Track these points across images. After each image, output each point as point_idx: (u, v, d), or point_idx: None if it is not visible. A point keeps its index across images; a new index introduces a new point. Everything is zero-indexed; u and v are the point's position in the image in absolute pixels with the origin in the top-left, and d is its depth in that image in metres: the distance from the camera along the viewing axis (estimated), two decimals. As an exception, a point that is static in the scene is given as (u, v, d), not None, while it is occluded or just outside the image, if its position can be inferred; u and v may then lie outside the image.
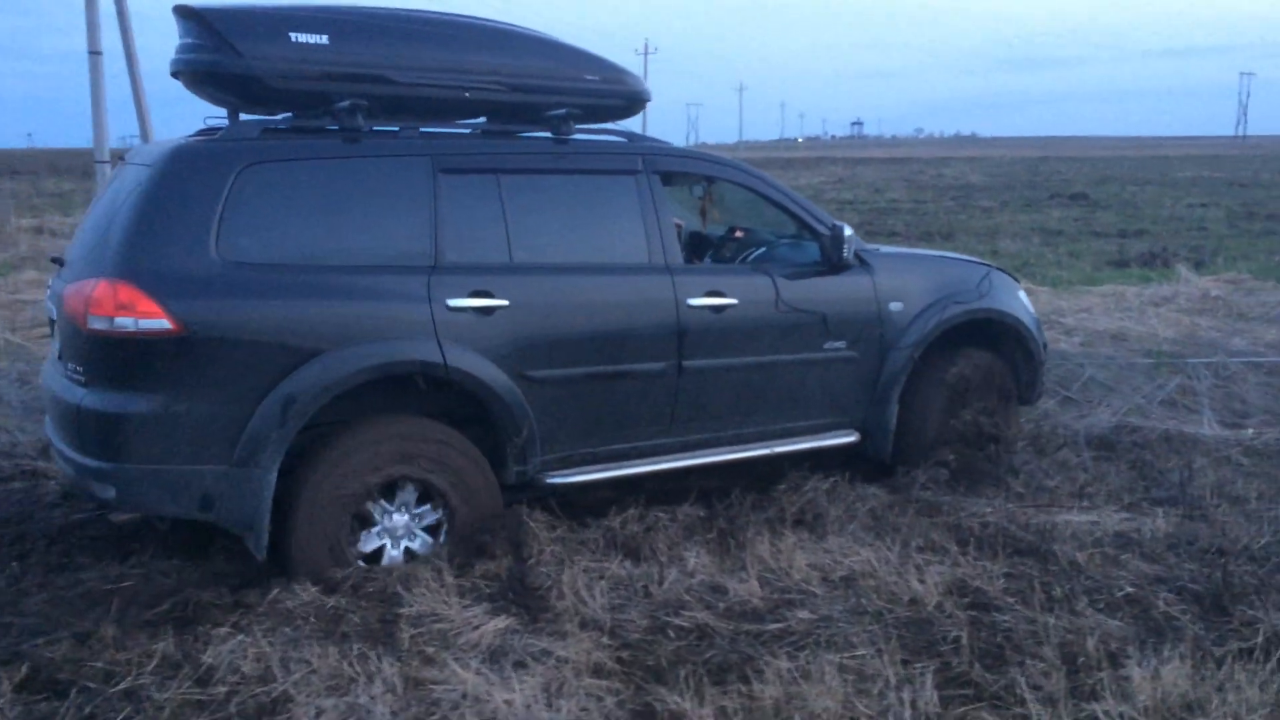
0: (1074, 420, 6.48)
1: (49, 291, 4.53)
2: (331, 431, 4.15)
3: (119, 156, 4.78)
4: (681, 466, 4.95)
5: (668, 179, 5.04)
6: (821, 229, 5.24)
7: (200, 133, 4.48)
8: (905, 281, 5.45)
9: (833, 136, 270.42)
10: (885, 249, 5.79)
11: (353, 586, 3.97)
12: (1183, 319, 9.92)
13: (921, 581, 4.11)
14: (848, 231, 5.17)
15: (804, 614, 3.87)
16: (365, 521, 4.21)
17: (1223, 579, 4.12)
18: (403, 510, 4.28)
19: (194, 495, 3.92)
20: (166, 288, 3.82)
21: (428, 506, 4.32)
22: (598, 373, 4.59)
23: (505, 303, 4.35)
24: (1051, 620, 3.78)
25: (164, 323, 3.79)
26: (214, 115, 4.55)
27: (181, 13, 4.34)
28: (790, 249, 5.48)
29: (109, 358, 3.87)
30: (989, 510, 4.91)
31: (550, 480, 4.59)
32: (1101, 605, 3.95)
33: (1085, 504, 5.08)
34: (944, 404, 5.56)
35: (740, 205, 5.86)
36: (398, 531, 4.29)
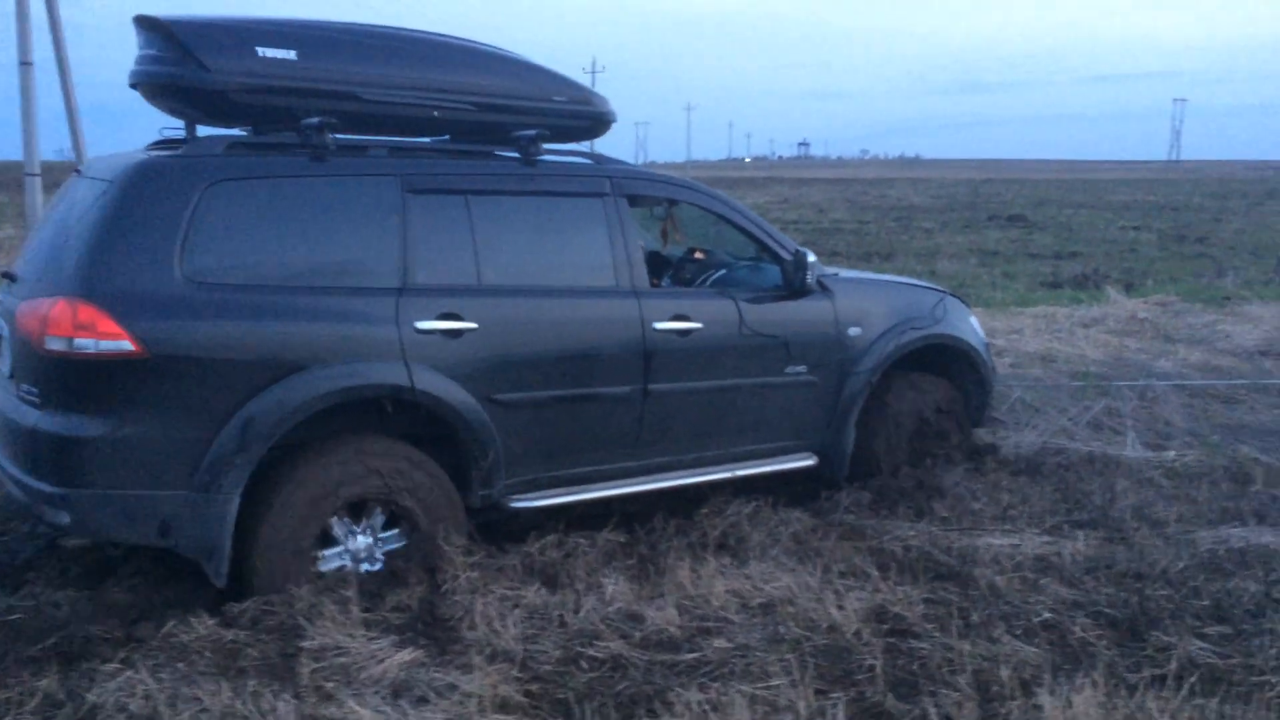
0: (1000, 442, 6.48)
1: None
2: (296, 453, 4.06)
3: (77, 168, 4.59)
4: (645, 490, 4.92)
5: (633, 201, 5.03)
6: (784, 254, 5.27)
7: (156, 144, 4.40)
8: (863, 307, 5.50)
9: (780, 157, 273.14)
10: (845, 274, 5.85)
11: (252, 619, 3.82)
12: (1111, 340, 10.06)
13: (841, 608, 4.05)
14: (811, 257, 5.20)
15: (721, 643, 3.79)
16: (328, 541, 4.14)
17: (1139, 604, 4.12)
18: (367, 533, 4.20)
19: (152, 521, 3.80)
20: (128, 308, 3.70)
21: (394, 531, 4.25)
22: (564, 396, 4.57)
23: (474, 325, 4.30)
24: (968, 647, 3.75)
25: (125, 344, 3.67)
26: (170, 126, 4.48)
27: (143, 23, 4.25)
28: (749, 272, 5.52)
29: (66, 379, 3.73)
30: (912, 533, 4.89)
31: (515, 504, 4.54)
32: (1019, 631, 3.93)
33: (1008, 526, 5.07)
34: (899, 427, 5.64)
35: (698, 227, 5.89)
36: (360, 554, 4.21)
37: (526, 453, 4.52)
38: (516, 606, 4.01)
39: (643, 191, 5.07)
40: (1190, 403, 7.70)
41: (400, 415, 4.26)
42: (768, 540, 4.76)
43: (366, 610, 3.89)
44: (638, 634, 3.87)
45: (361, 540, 4.20)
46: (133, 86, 4.39)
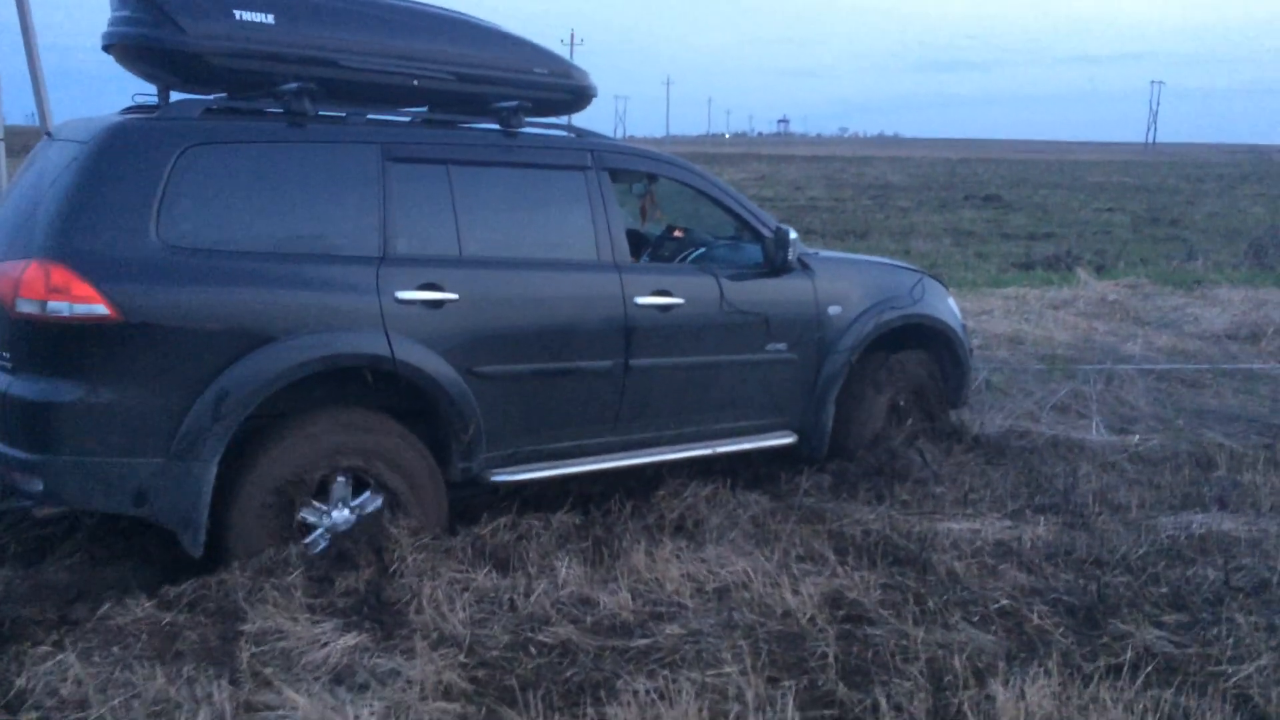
0: (966, 425, 6.44)
1: None
2: (274, 423, 4.01)
3: (47, 132, 4.50)
4: (625, 465, 4.90)
5: (615, 176, 4.98)
6: (765, 231, 5.24)
7: (130, 109, 4.30)
8: (843, 286, 5.50)
9: (759, 133, 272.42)
10: (824, 253, 5.84)
11: (191, 602, 3.71)
12: (1080, 323, 10.05)
13: (796, 593, 3.99)
14: (792, 234, 5.19)
15: (673, 629, 3.72)
16: (311, 504, 4.09)
17: (1097, 591, 4.08)
18: (342, 505, 4.15)
19: (128, 490, 3.74)
20: (103, 271, 3.63)
21: (369, 494, 4.20)
22: (545, 369, 4.53)
23: (455, 296, 4.26)
24: (923, 634, 3.69)
25: (100, 308, 3.60)
26: (142, 93, 4.41)
27: None
28: (729, 250, 5.49)
29: (39, 343, 3.66)
30: (872, 517, 4.83)
31: (495, 478, 4.51)
32: (975, 618, 3.87)
33: (969, 511, 5.02)
34: (878, 406, 5.65)
35: (675, 205, 5.84)
36: (339, 527, 4.15)
37: (507, 426, 4.48)
38: (466, 590, 3.92)
39: (624, 165, 5.04)
40: (1156, 387, 7.69)
41: (380, 387, 4.21)
42: (726, 523, 4.69)
43: (312, 595, 3.78)
44: (589, 619, 3.79)
45: (340, 513, 4.14)
46: (106, 49, 4.30)
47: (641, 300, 4.74)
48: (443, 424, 4.31)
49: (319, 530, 4.12)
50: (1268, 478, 5.55)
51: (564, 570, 4.10)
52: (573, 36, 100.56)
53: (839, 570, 4.23)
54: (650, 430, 4.93)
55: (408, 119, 4.64)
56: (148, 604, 3.68)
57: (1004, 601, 3.99)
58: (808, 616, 3.84)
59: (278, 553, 3.92)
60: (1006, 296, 11.72)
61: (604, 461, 4.81)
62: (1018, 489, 5.37)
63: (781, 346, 5.25)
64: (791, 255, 5.18)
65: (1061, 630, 3.80)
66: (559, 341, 4.55)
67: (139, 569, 4.10)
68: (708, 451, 5.12)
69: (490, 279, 4.40)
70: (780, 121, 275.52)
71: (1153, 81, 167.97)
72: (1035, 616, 3.88)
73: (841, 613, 3.91)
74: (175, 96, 4.32)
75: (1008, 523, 4.87)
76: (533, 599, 3.89)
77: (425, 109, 4.72)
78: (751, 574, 4.13)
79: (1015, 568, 4.34)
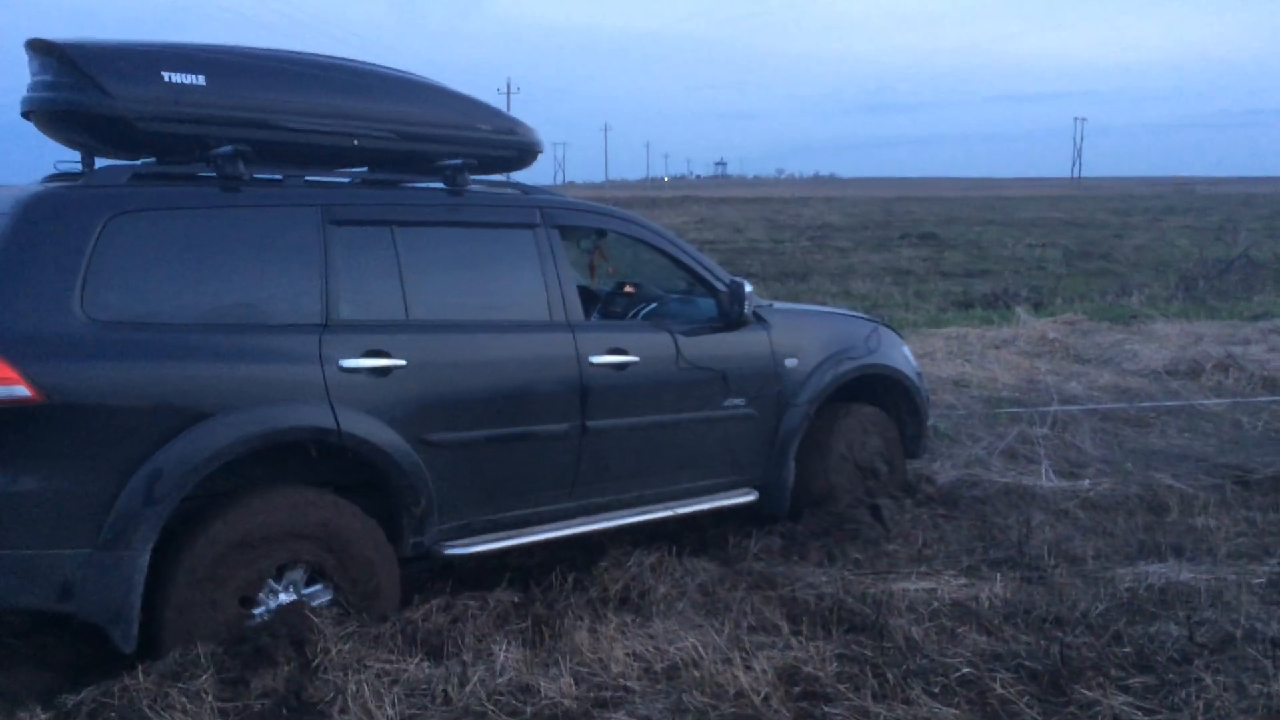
0: (914, 476, 6.30)
1: None
2: (211, 505, 3.78)
3: None
4: (584, 532, 4.74)
5: (564, 232, 4.86)
6: (719, 285, 5.15)
7: (52, 178, 4.13)
8: (799, 338, 5.42)
9: (697, 176, 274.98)
10: (778, 305, 5.75)
11: (90, 713, 3.38)
12: (1022, 363, 10.04)
13: (749, 669, 3.76)
14: (748, 288, 5.09)
15: (619, 717, 3.48)
16: (249, 603, 3.83)
17: (1060, 654, 3.91)
18: (290, 590, 3.92)
19: (52, 583, 3.47)
20: (23, 350, 3.41)
21: (318, 587, 3.97)
22: (499, 435, 4.37)
23: (403, 362, 4.09)
24: (883, 712, 3.49)
25: (20, 389, 3.37)
26: (65, 160, 4.23)
27: (38, 47, 3.99)
28: (681, 304, 5.41)
29: None
30: (824, 580, 4.64)
31: (449, 551, 4.31)
32: (936, 689, 3.68)
33: (923, 569, 4.85)
34: (840, 459, 5.54)
35: (624, 260, 5.75)
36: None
37: (460, 497, 4.30)
38: (396, 683, 3.63)
39: (573, 222, 4.94)
40: (1102, 428, 7.65)
41: (325, 461, 4.02)
42: (673, 593, 4.46)
43: (225, 698, 3.48)
44: (529, 709, 3.53)
45: (285, 598, 3.90)
46: (25, 115, 4.13)
47: (596, 359, 4.61)
48: (393, 497, 4.11)
49: (260, 616, 3.85)
50: (1220, 521, 5.47)
51: (502, 655, 3.83)
52: (509, 85, 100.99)
53: (793, 641, 4.02)
54: (609, 494, 4.78)
55: (346, 180, 4.47)
56: (43, 715, 3.35)
57: (965, 670, 3.80)
58: (762, 696, 3.61)
59: (185, 653, 3.61)
60: (948, 337, 11.72)
61: (561, 529, 4.64)
62: (971, 543, 5.23)
63: (740, 402, 5.13)
64: (747, 309, 5.08)
65: (1026, 699, 3.62)
66: (512, 405, 4.39)
67: (34, 674, 3.76)
68: (668, 513, 4.96)
69: (439, 343, 4.24)
70: (718, 164, 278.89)
71: (1076, 118, 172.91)
72: (998, 685, 3.69)
73: (798, 689, 3.70)
74: (100, 164, 4.13)
75: (963, 580, 4.70)
76: (468, 689, 3.62)
77: (364, 169, 4.56)
78: (701, 650, 3.89)
79: (974, 630, 4.16)
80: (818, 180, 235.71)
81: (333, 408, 3.90)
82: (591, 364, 4.59)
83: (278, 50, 4.38)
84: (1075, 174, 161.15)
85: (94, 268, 3.60)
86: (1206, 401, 8.56)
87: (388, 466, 4.04)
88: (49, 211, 3.66)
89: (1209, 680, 3.67)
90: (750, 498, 5.28)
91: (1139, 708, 3.54)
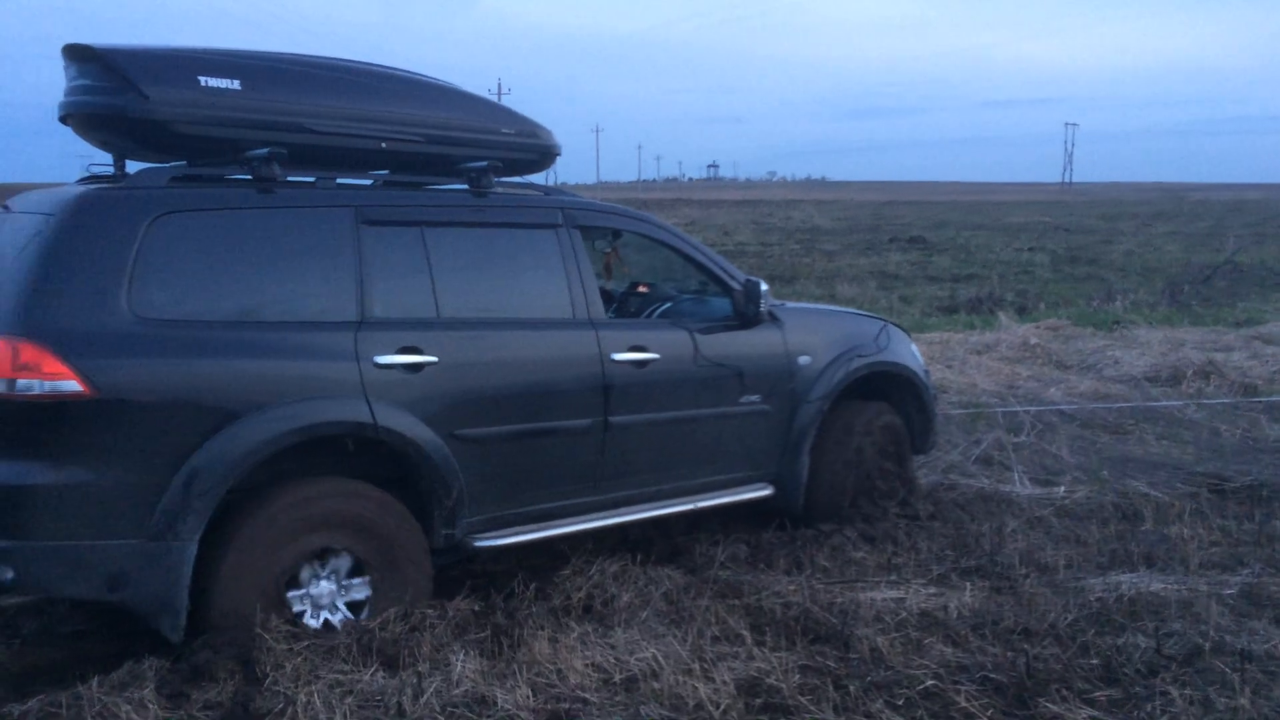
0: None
1: None
2: (253, 497, 3.86)
3: (4, 204, 4.27)
4: (607, 525, 4.83)
5: (584, 232, 4.94)
6: (734, 284, 5.26)
7: (86, 180, 4.22)
8: (812, 336, 5.54)
9: (690, 179, 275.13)
10: (791, 304, 5.83)
11: (33, 724, 3.31)
12: (1003, 369, 10.01)
13: (710, 680, 3.70)
14: (763, 286, 5.22)
15: (575, 729, 3.42)
16: (293, 584, 3.94)
17: (1026, 666, 3.86)
18: (331, 578, 4.03)
19: (102, 574, 3.57)
20: (75, 346, 3.52)
21: (358, 580, 4.06)
22: (526, 430, 4.47)
23: (434, 359, 4.20)
24: (844, 726, 3.43)
25: (72, 384, 3.48)
26: (99, 163, 4.30)
27: (75, 53, 4.08)
28: (694, 303, 5.51)
29: (7, 423, 3.51)
30: (791, 588, 4.58)
31: (478, 543, 4.41)
32: (900, 702, 3.62)
33: (892, 577, 4.80)
34: (850, 455, 5.62)
35: (638, 259, 5.84)
36: (321, 600, 4.01)
37: (488, 490, 4.39)
38: (349, 694, 3.55)
39: (594, 222, 5.03)
40: (1079, 434, 7.61)
41: (359, 456, 4.12)
42: (637, 602, 4.40)
43: (167, 709, 3.40)
44: (484, 721, 3.47)
45: (325, 586, 4.01)
46: (63, 120, 4.23)
47: (618, 357, 4.71)
48: (424, 490, 4.20)
49: (301, 601, 3.96)
50: (1194, 530, 5.43)
51: (459, 665, 3.76)
52: (500, 86, 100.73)
53: (756, 652, 3.96)
54: (631, 488, 4.87)
55: (370, 181, 4.59)
56: (-16, 726, 3.28)
57: (929, 682, 3.74)
58: (721, 709, 3.55)
59: (135, 666, 3.56)
60: (930, 342, 11.66)
61: (585, 522, 4.72)
62: (943, 551, 5.17)
63: (755, 398, 5.24)
64: (763, 307, 5.20)
65: (990, 713, 3.57)
66: (539, 401, 4.48)
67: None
68: (688, 507, 5.06)
69: (469, 340, 4.34)
70: (710, 166, 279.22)
71: (1067, 124, 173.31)
72: (962, 698, 3.63)
73: (759, 701, 3.64)
74: (131, 166, 4.23)
75: (933, 589, 4.65)
76: (423, 700, 3.55)
77: (386, 172, 4.65)
78: (662, 661, 3.83)
79: (941, 641, 4.11)
80: (809, 183, 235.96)
81: (369, 403, 4.00)
82: (614, 361, 4.69)
83: (310, 55, 4.49)
84: (1066, 179, 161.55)
85: (140, 267, 3.69)
86: (1175, 403, 8.52)
87: (420, 460, 4.13)
88: (96, 212, 3.75)
89: (1175, 694, 3.62)
90: (766, 492, 5.38)
91: (1103, 721, 3.49)
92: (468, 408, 4.28)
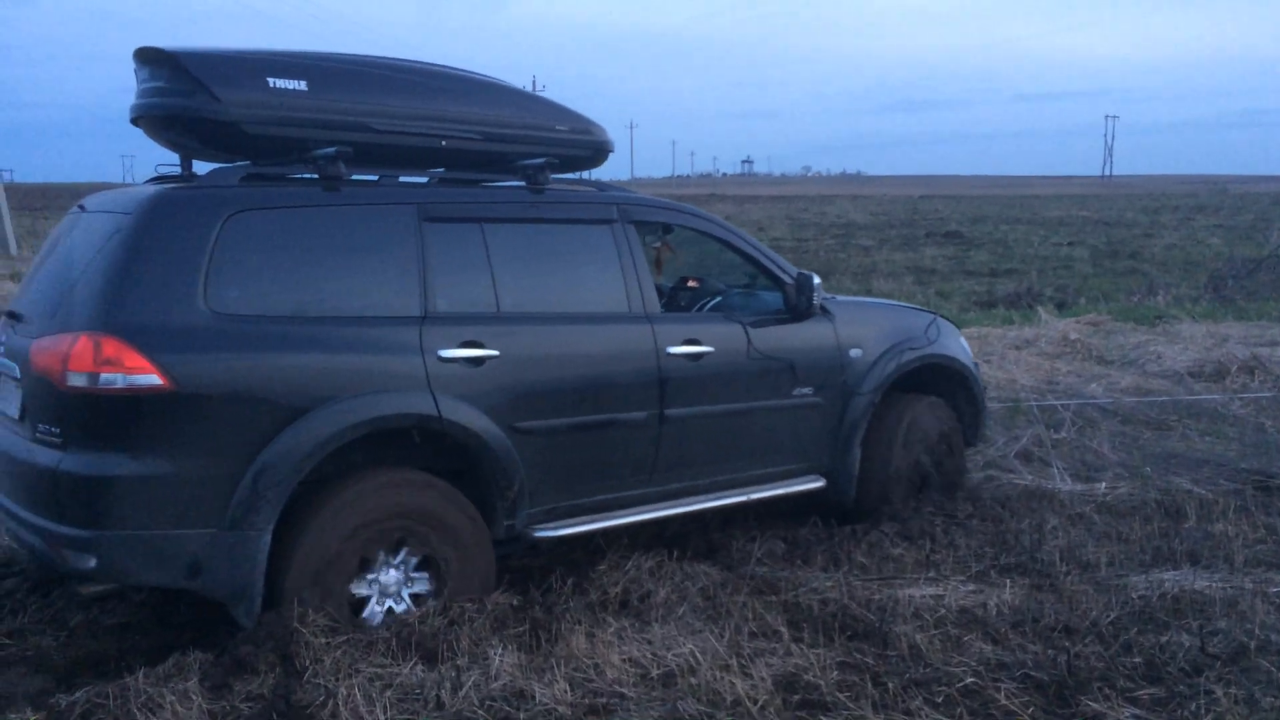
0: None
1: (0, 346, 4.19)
2: (322, 488, 3.96)
3: (80, 204, 4.40)
4: (662, 516, 4.90)
5: (638, 227, 5.00)
6: (787, 278, 5.31)
7: (156, 179, 4.35)
8: (863, 329, 5.58)
9: (724, 174, 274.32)
10: (841, 298, 5.89)
11: (83, 713, 3.38)
12: (1043, 364, 9.89)
13: (748, 676, 3.70)
14: (816, 280, 5.25)
15: (613, 724, 3.42)
16: (364, 570, 4.05)
17: (1067, 664, 3.82)
18: (400, 568, 4.12)
19: (181, 562, 3.69)
20: (155, 341, 3.62)
21: (425, 574, 4.17)
22: (584, 423, 4.54)
23: (495, 353, 4.28)
24: (882, 722, 3.42)
25: (153, 378, 3.58)
26: (165, 163, 4.45)
27: (148, 56, 4.20)
28: (744, 297, 5.57)
29: (91, 417, 3.62)
30: (829, 585, 4.56)
31: (537, 534, 4.50)
32: (939, 700, 3.60)
33: (931, 574, 4.77)
34: (901, 447, 5.65)
35: (689, 253, 5.91)
36: (389, 588, 4.11)
37: (547, 482, 4.47)
38: (388, 687, 3.59)
39: (647, 217, 5.09)
40: (1121, 430, 7.50)
41: (424, 447, 4.21)
42: (674, 597, 4.40)
43: (212, 700, 3.45)
44: (522, 715, 3.48)
45: (393, 574, 4.10)
46: (134, 122, 4.37)
47: (673, 350, 4.77)
48: (487, 482, 4.29)
49: (369, 586, 4.06)
50: (1239, 528, 5.34)
51: (497, 659, 3.79)
52: (534, 83, 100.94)
53: (793, 648, 3.95)
54: (685, 480, 4.93)
55: (425, 179, 4.66)
56: (33, 718, 3.35)
57: (969, 679, 3.71)
58: (759, 705, 3.55)
59: (181, 659, 3.62)
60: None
61: (641, 514, 4.79)
62: (982, 548, 5.12)
63: (808, 391, 5.29)
64: (816, 300, 5.23)
65: (1031, 711, 3.54)
66: (596, 394, 4.56)
67: (28, 676, 3.76)
68: (741, 499, 5.12)
69: (529, 334, 4.41)
70: (744, 162, 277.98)
71: (1107, 116, 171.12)
72: (1002, 696, 3.61)
73: (796, 698, 3.63)
74: (196, 166, 4.38)
75: (972, 586, 4.61)
76: (461, 694, 3.58)
77: (442, 170, 4.72)
78: (699, 656, 3.83)
79: (980, 638, 4.08)
80: (844, 178, 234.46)
81: (434, 396, 4.09)
82: (669, 354, 4.76)
83: (372, 56, 4.59)
84: (1106, 172, 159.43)
85: (215, 263, 3.79)
86: (1219, 396, 8.38)
87: (483, 452, 4.21)
88: (173, 212, 3.85)
89: (1219, 693, 3.57)
90: (818, 484, 5.43)
91: (1146, 720, 3.45)
92: (527, 400, 4.35)
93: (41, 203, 50.89)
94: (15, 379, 3.97)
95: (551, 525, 4.52)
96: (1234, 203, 57.58)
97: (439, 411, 4.08)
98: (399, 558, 4.12)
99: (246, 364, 3.78)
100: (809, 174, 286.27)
